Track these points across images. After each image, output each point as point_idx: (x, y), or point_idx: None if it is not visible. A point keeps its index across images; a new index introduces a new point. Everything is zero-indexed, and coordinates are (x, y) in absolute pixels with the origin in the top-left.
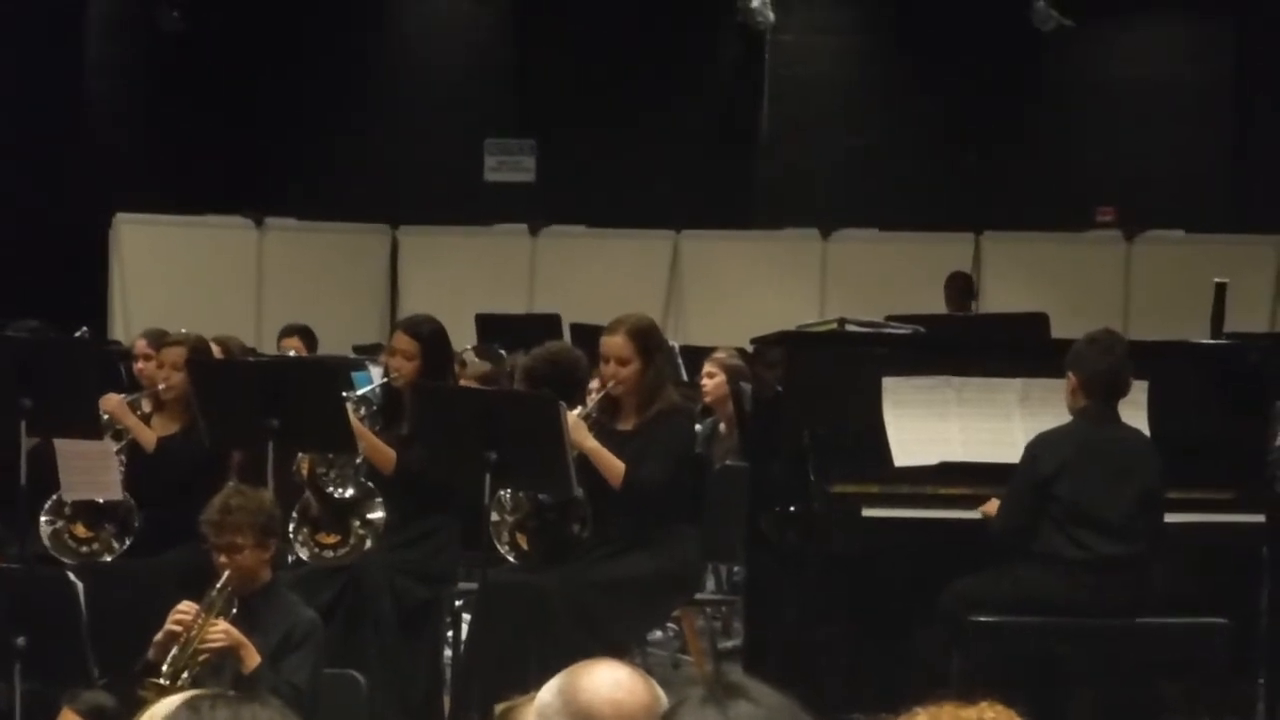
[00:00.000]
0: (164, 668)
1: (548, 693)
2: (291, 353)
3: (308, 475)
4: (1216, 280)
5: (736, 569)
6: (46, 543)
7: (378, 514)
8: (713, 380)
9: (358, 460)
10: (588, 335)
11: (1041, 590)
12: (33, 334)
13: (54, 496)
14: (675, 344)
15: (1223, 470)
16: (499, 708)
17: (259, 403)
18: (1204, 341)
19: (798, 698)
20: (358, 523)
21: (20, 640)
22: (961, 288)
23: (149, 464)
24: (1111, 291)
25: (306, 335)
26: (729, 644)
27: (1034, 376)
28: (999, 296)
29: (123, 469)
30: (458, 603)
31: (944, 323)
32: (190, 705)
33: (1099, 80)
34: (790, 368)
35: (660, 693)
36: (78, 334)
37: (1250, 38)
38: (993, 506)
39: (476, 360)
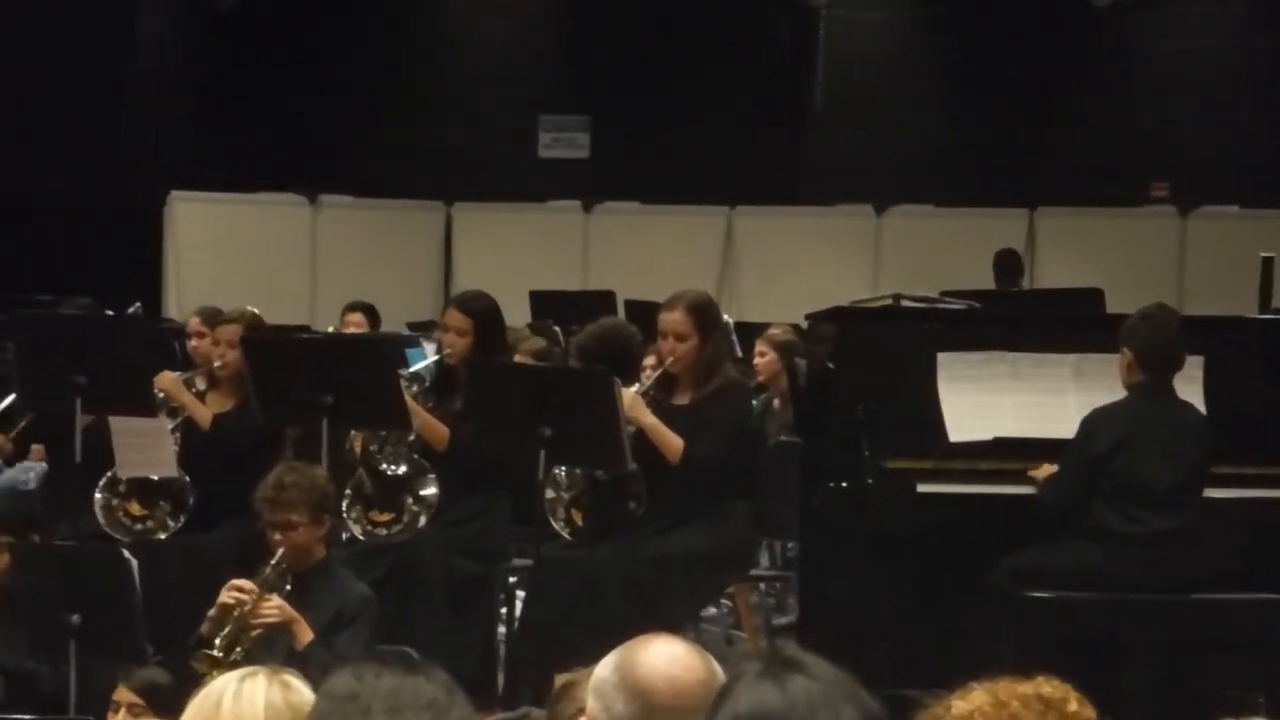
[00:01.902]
0: (217, 641)
1: (604, 668)
2: (352, 329)
3: (361, 452)
4: (1264, 255)
5: (790, 545)
6: (101, 520)
7: (431, 490)
8: (764, 359)
9: (411, 437)
10: (642, 311)
11: (1094, 565)
12: (85, 311)
13: (108, 474)
14: (729, 320)
15: (1277, 445)
16: (559, 679)
17: (313, 380)
18: (1258, 317)
19: (852, 673)
20: (411, 499)
21: (75, 617)
22: (1008, 265)
23: (204, 441)
24: (1166, 267)
25: (370, 313)
26: (783, 620)
27: (1088, 352)
28: (1053, 272)
29: (177, 446)
30: (511, 579)
31: (998, 298)
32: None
33: (1153, 54)
34: (844, 343)
35: (716, 667)
36: (130, 310)
37: None
38: (1044, 471)
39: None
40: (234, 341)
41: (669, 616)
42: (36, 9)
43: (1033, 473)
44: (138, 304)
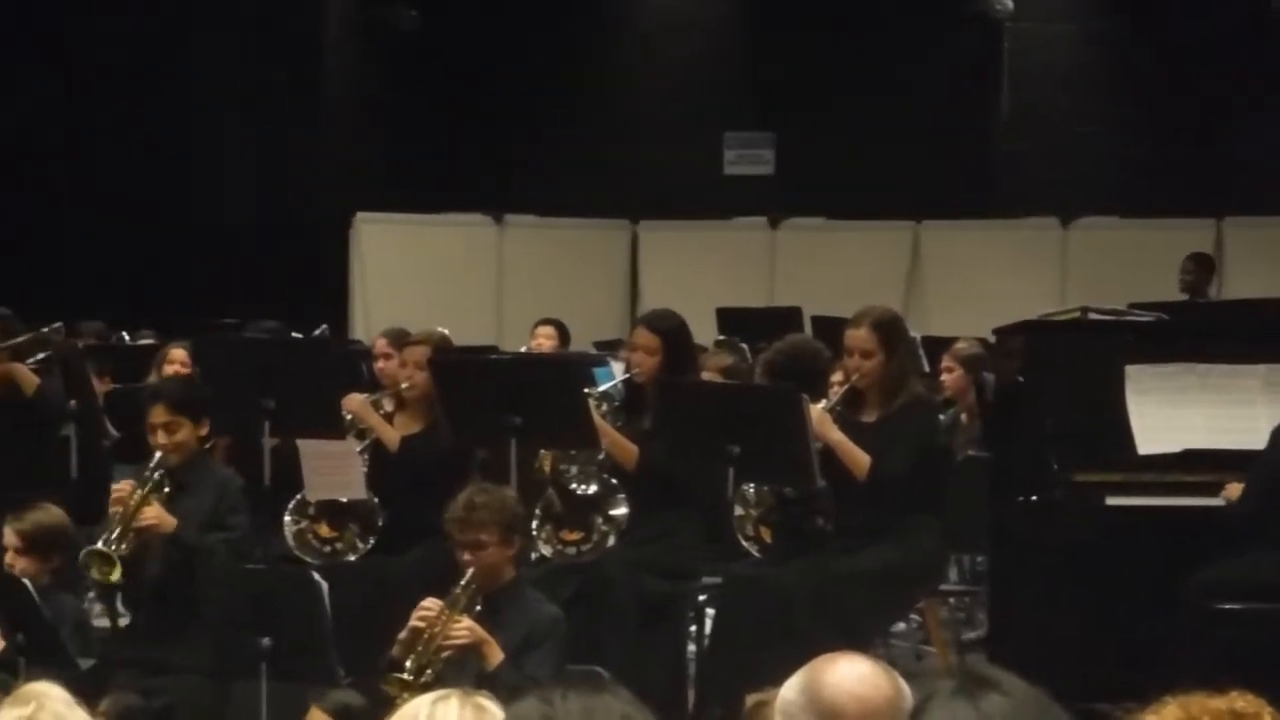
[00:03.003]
0: (407, 664)
1: (790, 689)
2: (543, 342)
3: (550, 472)
4: None
5: (979, 559)
6: (291, 543)
7: (620, 510)
8: (951, 375)
9: (600, 456)
10: (829, 327)
11: None
12: (272, 335)
13: (298, 496)
14: (916, 335)
15: None
16: (750, 698)
17: (502, 400)
18: None
19: (1043, 688)
20: (600, 519)
21: (266, 640)
22: (1201, 265)
23: (392, 463)
24: None
25: (560, 328)
26: (972, 635)
27: (1278, 363)
28: (1241, 281)
29: (366, 468)
30: (701, 597)
31: (1187, 310)
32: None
33: None
34: (1032, 357)
35: (904, 686)
36: (317, 333)
37: None
38: (1235, 489)
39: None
40: (421, 363)
41: (858, 633)
42: (223, 35)
43: (1226, 491)
44: (324, 326)
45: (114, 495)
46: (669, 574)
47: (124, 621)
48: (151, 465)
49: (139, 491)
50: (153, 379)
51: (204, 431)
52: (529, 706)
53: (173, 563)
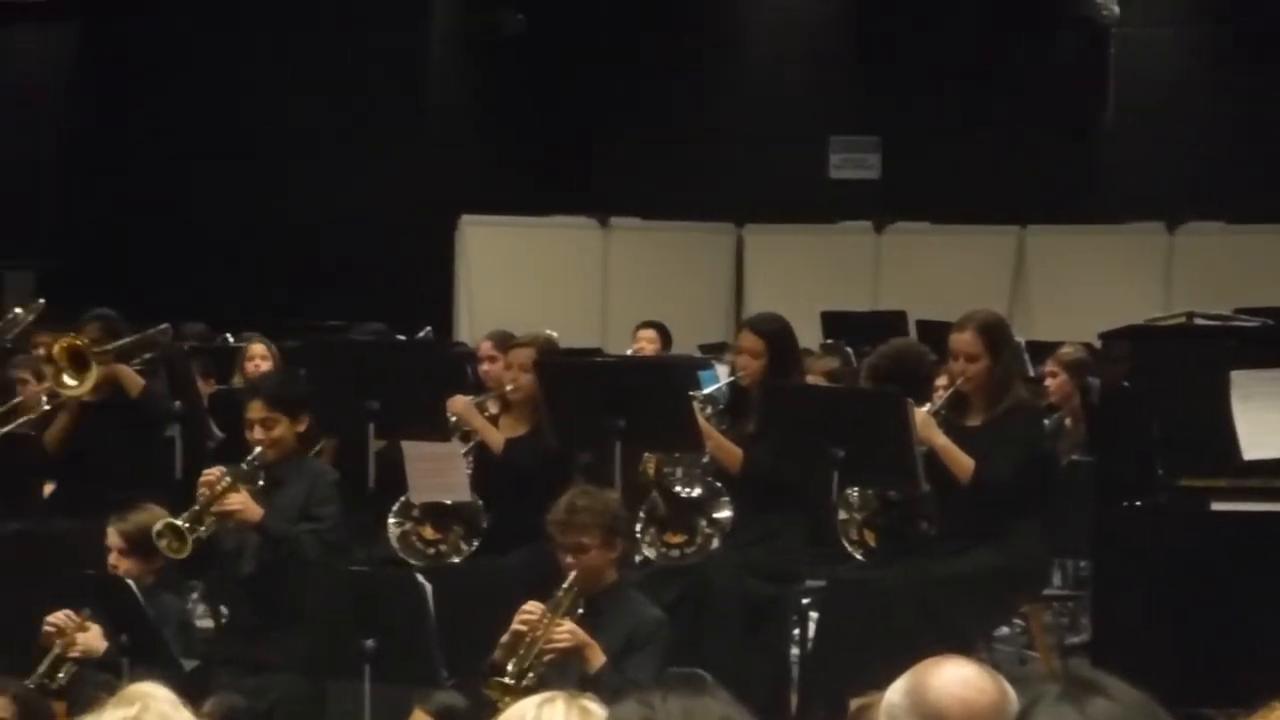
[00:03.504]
0: (509, 667)
1: (895, 693)
2: (645, 346)
3: (655, 475)
4: None
5: (1083, 564)
6: (395, 545)
7: (724, 513)
8: (1055, 380)
9: (704, 459)
10: (933, 331)
11: None
12: (377, 337)
13: (402, 499)
14: (1020, 339)
15: None
16: (854, 702)
17: (606, 403)
18: None
19: (1147, 693)
20: (704, 522)
21: (369, 642)
22: None
23: (496, 465)
24: None
25: (662, 331)
26: (1075, 639)
27: None
28: None
29: (470, 470)
30: (804, 600)
31: None
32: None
33: None
34: (1138, 362)
35: (1009, 690)
36: (421, 335)
37: None
38: None
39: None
40: (526, 365)
41: (961, 637)
42: (330, 40)
43: None
44: (428, 328)
45: (202, 479)
46: (772, 577)
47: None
48: (248, 458)
49: (228, 478)
50: (237, 380)
51: (301, 428)
52: (629, 708)
53: (267, 560)
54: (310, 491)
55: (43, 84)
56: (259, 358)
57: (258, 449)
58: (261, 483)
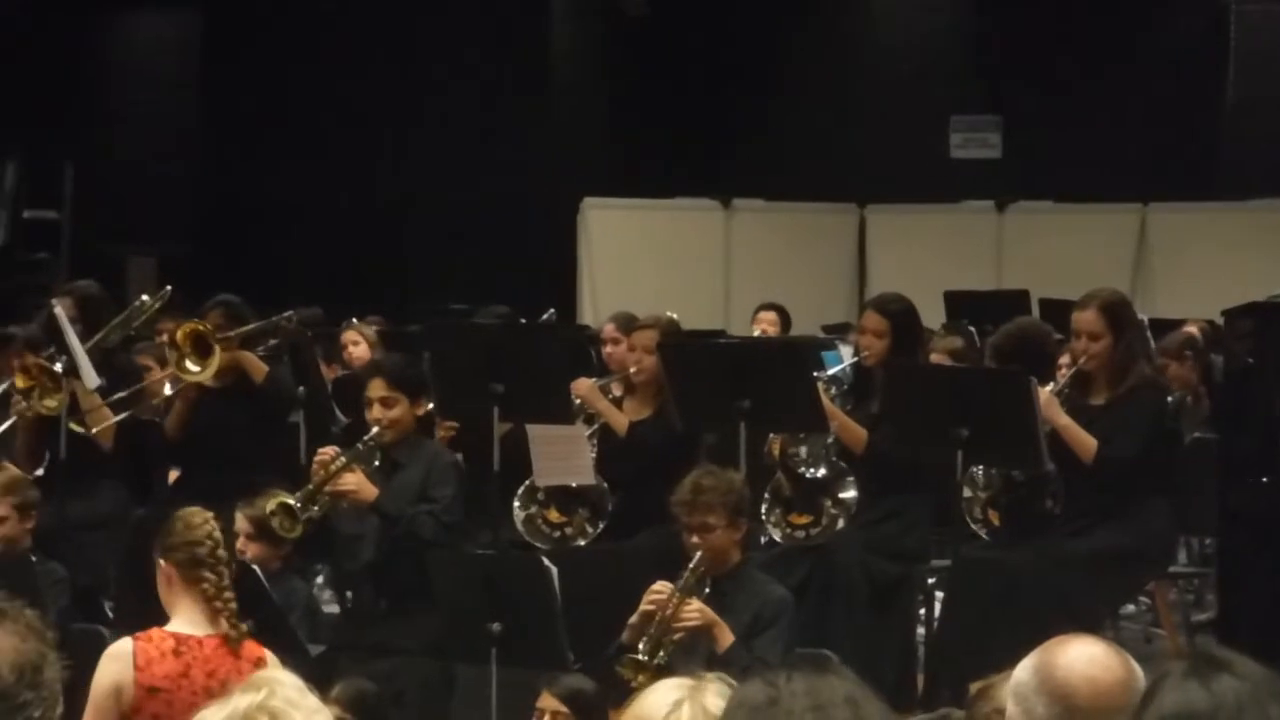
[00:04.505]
0: (641, 645)
1: (1023, 671)
2: (766, 328)
3: (779, 455)
4: None
5: (1208, 541)
6: (520, 528)
7: (849, 493)
8: (1167, 371)
9: (829, 440)
10: (1057, 310)
11: None
12: (502, 320)
13: (527, 482)
14: (1144, 317)
15: None
16: (974, 686)
17: (730, 384)
18: None
19: (1275, 669)
20: (829, 502)
21: (496, 626)
22: None
23: (621, 447)
24: None
25: (781, 313)
26: (1202, 617)
27: None
28: None
29: (594, 453)
30: (930, 580)
31: None
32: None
33: None
34: (1262, 338)
35: (1136, 668)
36: (544, 318)
37: None
38: None
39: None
40: (650, 347)
41: (1087, 616)
42: (453, 23)
43: None
44: (551, 311)
45: (316, 458)
46: (898, 557)
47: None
48: (365, 438)
49: (342, 458)
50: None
51: (420, 410)
52: (754, 688)
53: (386, 546)
54: (428, 473)
55: (165, 71)
56: (352, 343)
57: (375, 429)
58: (378, 464)
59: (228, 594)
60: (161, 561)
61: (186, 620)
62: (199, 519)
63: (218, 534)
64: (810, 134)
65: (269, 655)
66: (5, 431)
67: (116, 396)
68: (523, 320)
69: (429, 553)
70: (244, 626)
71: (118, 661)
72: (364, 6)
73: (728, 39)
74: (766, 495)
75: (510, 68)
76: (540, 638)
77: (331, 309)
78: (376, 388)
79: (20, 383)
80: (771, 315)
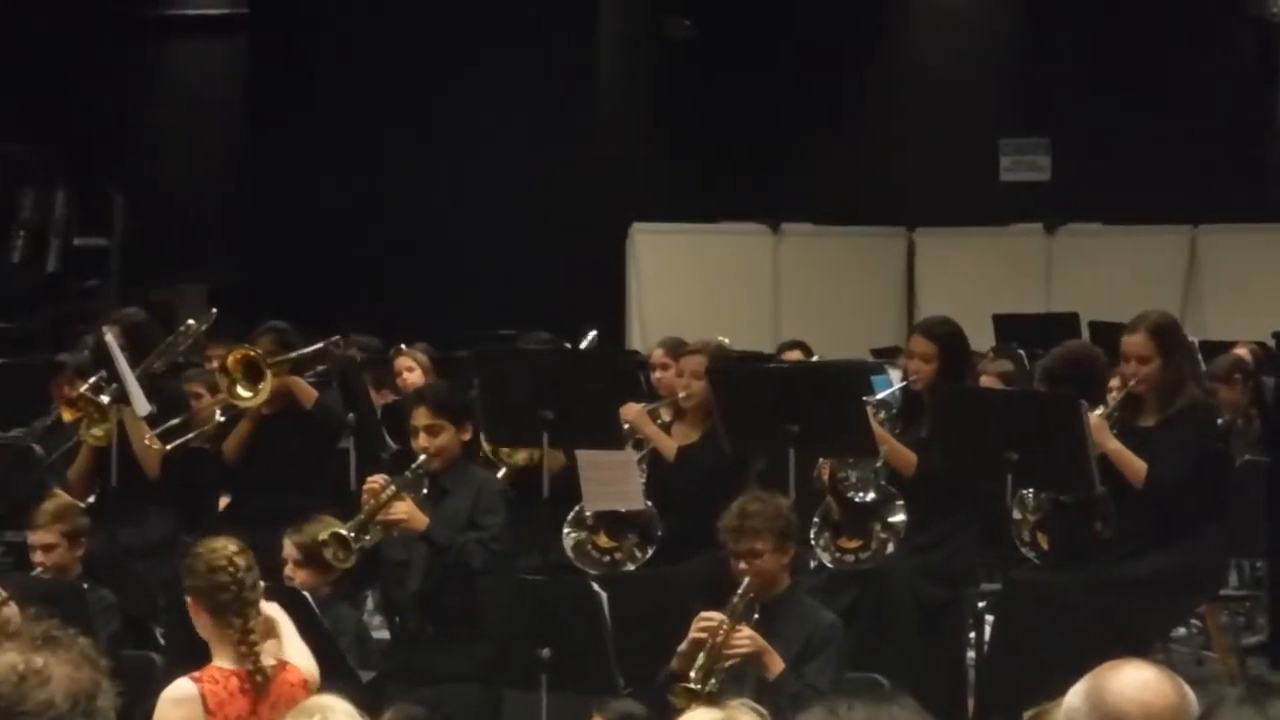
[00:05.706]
0: (692, 674)
1: (1075, 696)
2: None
3: (829, 480)
4: None
5: (1259, 564)
6: (570, 553)
7: (899, 517)
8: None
9: (878, 464)
10: (1107, 333)
11: None
12: (546, 345)
13: (576, 508)
14: (1194, 339)
15: None
16: (1027, 715)
17: (779, 408)
18: None
19: None
20: (879, 526)
21: (545, 651)
22: None
23: (670, 472)
24: None
25: (805, 351)
26: (1253, 640)
27: None
28: None
29: (644, 478)
30: (980, 604)
31: None
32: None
33: None
34: None
35: (1189, 693)
36: (586, 341)
37: None
38: None
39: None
40: (699, 372)
41: (1138, 639)
42: (502, 49)
43: None
44: (594, 334)
45: (366, 487)
46: (948, 580)
47: None
48: (413, 466)
49: (392, 486)
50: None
51: (466, 436)
52: (816, 716)
53: (435, 570)
54: (476, 500)
55: (214, 98)
56: (406, 369)
57: (422, 456)
58: (426, 491)
59: (253, 636)
60: (188, 597)
61: (229, 657)
62: (221, 548)
63: (240, 561)
64: (858, 157)
65: (312, 673)
66: (61, 456)
67: (166, 425)
68: (567, 345)
69: (480, 578)
70: (267, 668)
71: (183, 707)
72: (413, 33)
73: (775, 63)
74: (816, 520)
75: (558, 94)
76: (590, 663)
77: (380, 335)
78: (420, 416)
79: (67, 415)
80: (796, 355)
